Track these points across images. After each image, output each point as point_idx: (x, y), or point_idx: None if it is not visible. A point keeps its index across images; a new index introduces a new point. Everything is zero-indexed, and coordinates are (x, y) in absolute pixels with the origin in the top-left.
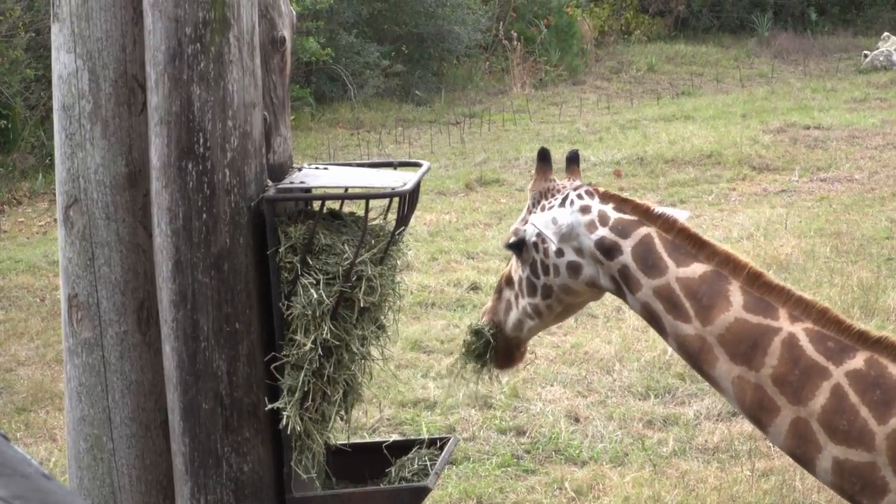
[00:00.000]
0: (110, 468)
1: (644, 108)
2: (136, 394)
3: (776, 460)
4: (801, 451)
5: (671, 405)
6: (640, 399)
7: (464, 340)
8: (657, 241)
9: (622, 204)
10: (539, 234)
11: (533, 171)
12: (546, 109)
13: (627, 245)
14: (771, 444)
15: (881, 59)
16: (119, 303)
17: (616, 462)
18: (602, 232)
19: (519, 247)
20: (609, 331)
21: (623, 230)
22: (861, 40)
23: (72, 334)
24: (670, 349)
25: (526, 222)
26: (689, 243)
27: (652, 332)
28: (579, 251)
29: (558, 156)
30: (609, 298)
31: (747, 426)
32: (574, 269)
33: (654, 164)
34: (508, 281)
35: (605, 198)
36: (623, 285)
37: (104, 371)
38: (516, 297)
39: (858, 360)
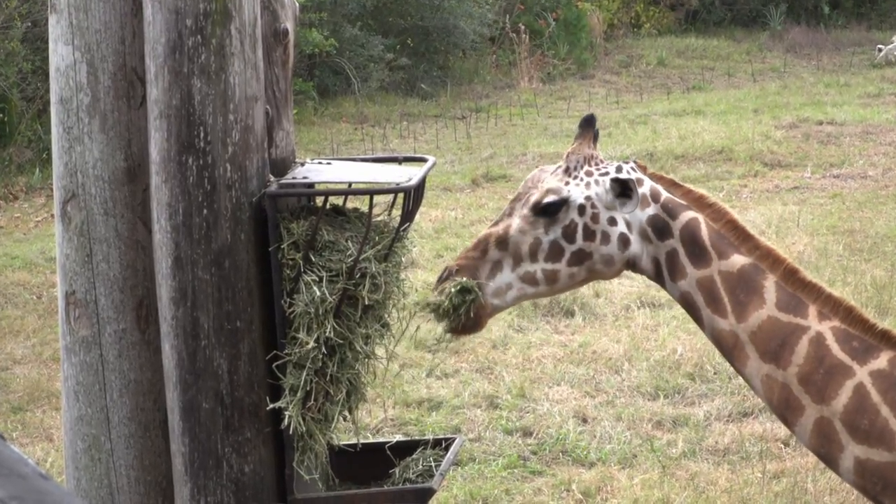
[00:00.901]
0: (108, 469)
1: (654, 102)
2: (135, 393)
3: (788, 462)
4: (825, 451)
5: (681, 405)
6: (649, 399)
7: (448, 296)
8: (703, 228)
9: (672, 187)
10: (589, 197)
11: (540, 166)
12: (554, 104)
13: (676, 227)
14: (783, 446)
15: (895, 53)
16: (118, 300)
17: (624, 463)
18: (654, 209)
19: (557, 207)
20: (618, 330)
21: (672, 211)
22: (875, 34)
23: (69, 332)
24: (679, 350)
25: (567, 183)
26: (734, 235)
27: (661, 332)
28: (629, 225)
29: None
30: (617, 295)
31: (758, 427)
32: (624, 241)
33: (663, 159)
34: (501, 242)
35: (655, 177)
36: (666, 270)
37: (102, 370)
38: (515, 262)
39: (882, 360)
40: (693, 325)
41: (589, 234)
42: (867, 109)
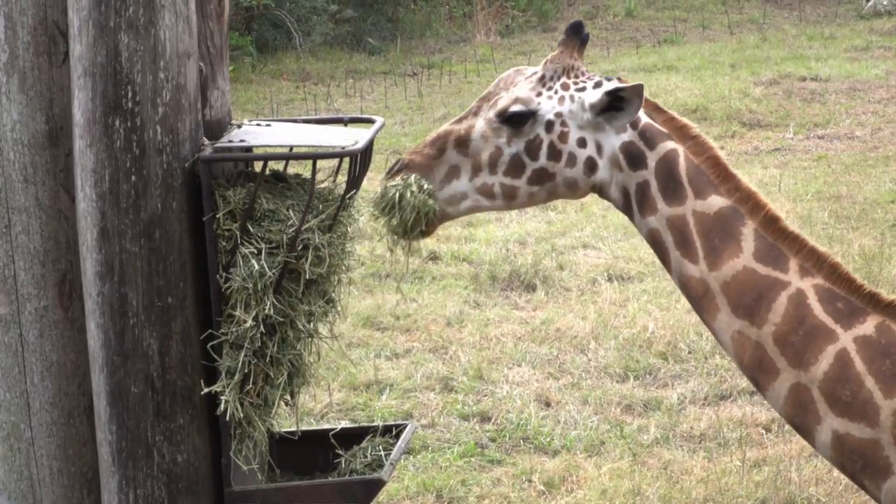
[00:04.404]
0: (28, 459)
1: (622, 57)
2: (58, 376)
3: (770, 449)
4: (800, 420)
5: (652, 388)
6: (617, 381)
7: (396, 191)
8: (681, 162)
9: (655, 112)
10: (560, 114)
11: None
12: (513, 59)
13: (652, 159)
14: (764, 432)
15: (885, 3)
16: (38, 275)
17: (591, 451)
18: (630, 136)
19: (523, 119)
20: (584, 305)
21: (650, 139)
22: None
23: None
24: (651, 327)
25: (539, 94)
26: (715, 172)
27: (631, 307)
28: (599, 148)
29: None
30: (583, 268)
31: (737, 411)
32: (591, 166)
33: None
34: (461, 144)
35: None
36: (635, 203)
37: (22, 351)
38: (474, 170)
39: (869, 325)
40: (666, 300)
41: (554, 154)
42: (854, 64)
